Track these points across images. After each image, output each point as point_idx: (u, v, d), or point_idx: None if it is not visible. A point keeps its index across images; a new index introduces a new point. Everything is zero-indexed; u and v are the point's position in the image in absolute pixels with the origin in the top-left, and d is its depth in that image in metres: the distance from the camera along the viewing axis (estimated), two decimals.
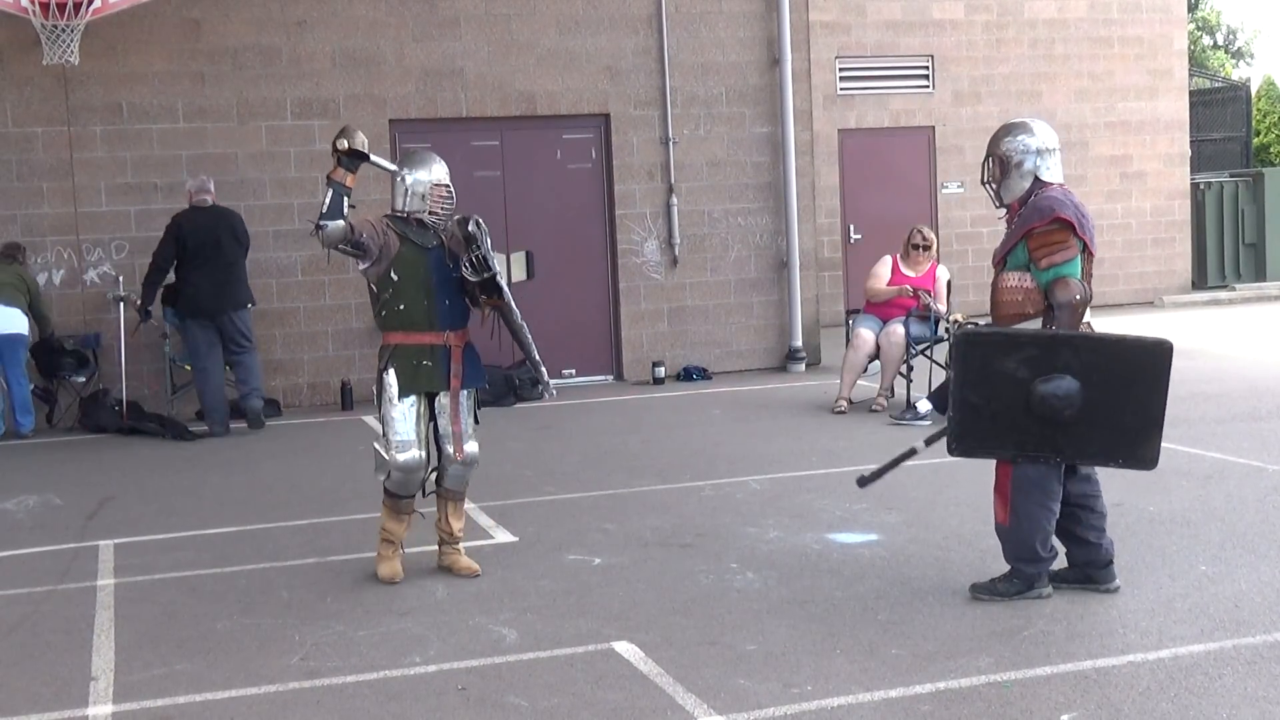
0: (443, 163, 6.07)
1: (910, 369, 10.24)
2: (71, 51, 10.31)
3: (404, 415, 5.86)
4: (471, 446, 6.00)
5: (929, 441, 5.49)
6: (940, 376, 10.09)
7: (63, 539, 7.10)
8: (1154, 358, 5.02)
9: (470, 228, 5.82)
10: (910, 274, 10.42)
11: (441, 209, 5.98)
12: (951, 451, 5.25)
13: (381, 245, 5.83)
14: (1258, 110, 24.78)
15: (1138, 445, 5.09)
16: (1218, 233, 18.84)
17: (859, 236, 16.82)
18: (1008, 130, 5.55)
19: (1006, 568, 5.40)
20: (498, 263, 5.90)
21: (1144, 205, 18.14)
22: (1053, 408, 5.02)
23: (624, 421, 10.47)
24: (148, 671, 4.93)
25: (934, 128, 17.06)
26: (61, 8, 10.15)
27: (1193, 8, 36.52)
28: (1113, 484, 6.90)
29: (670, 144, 12.59)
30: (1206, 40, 39.83)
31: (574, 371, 12.61)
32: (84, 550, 6.83)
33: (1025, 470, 5.21)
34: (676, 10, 12.56)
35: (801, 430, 9.63)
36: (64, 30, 10.25)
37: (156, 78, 11.36)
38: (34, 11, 10.19)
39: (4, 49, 10.95)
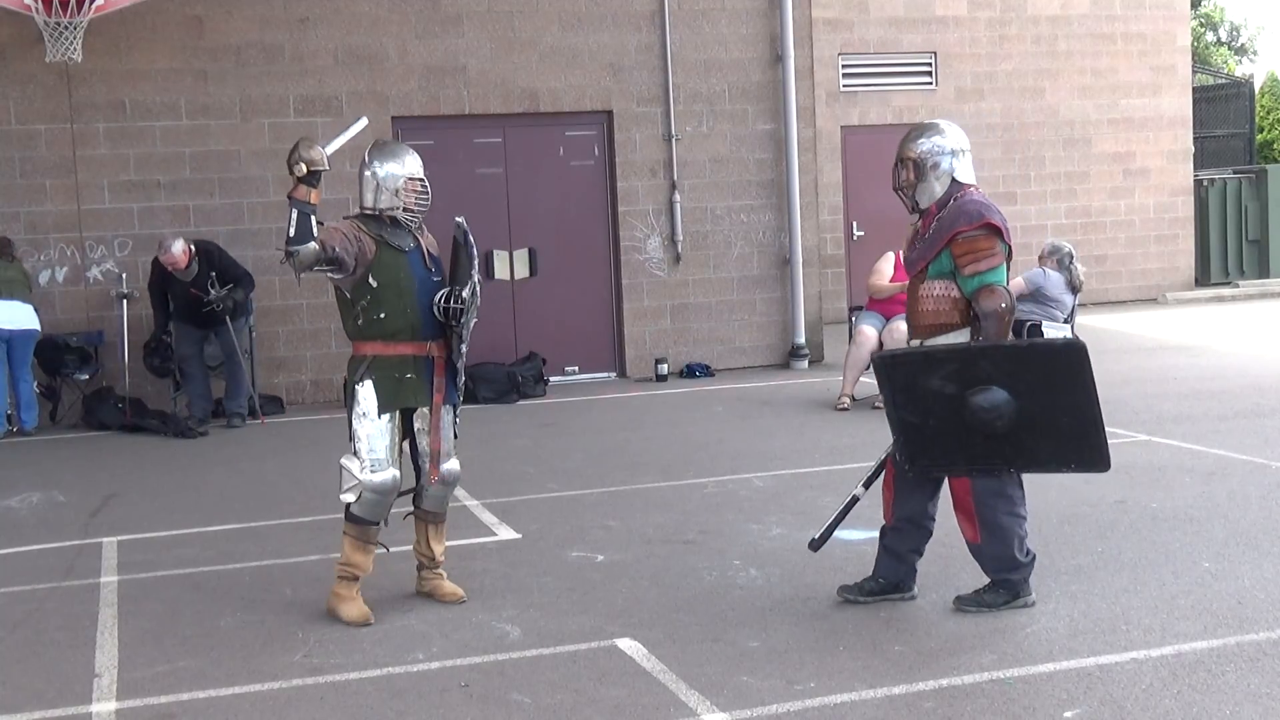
0: (416, 155, 5.56)
1: None
2: (74, 49, 10.31)
3: (380, 432, 5.36)
4: (452, 464, 5.59)
5: (867, 484, 5.42)
6: None
7: (66, 536, 7.11)
8: (1069, 360, 4.80)
9: (466, 249, 5.44)
10: None
11: (417, 204, 5.49)
12: (907, 472, 5.15)
13: (357, 253, 5.31)
14: (1261, 107, 24.74)
15: (1083, 449, 4.89)
16: (1221, 229, 18.83)
17: (861, 233, 16.81)
18: (919, 132, 5.32)
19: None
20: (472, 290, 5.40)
21: (1147, 202, 18.12)
22: (984, 420, 4.85)
23: (627, 418, 10.47)
24: (151, 668, 4.93)
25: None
26: (64, 5, 10.14)
27: (1196, 4, 36.43)
28: (1115, 481, 6.93)
29: (673, 141, 12.58)
30: (1210, 36, 39.74)
31: (577, 368, 12.61)
32: (87, 547, 6.84)
33: (984, 483, 5.11)
34: (679, 7, 12.55)
35: (804, 427, 9.62)
36: (67, 27, 10.24)
37: (159, 75, 11.36)
38: (37, 8, 10.18)
39: (7, 46, 10.95)
